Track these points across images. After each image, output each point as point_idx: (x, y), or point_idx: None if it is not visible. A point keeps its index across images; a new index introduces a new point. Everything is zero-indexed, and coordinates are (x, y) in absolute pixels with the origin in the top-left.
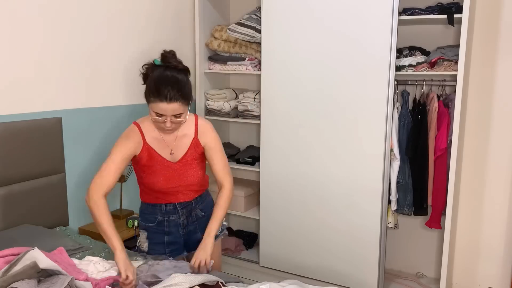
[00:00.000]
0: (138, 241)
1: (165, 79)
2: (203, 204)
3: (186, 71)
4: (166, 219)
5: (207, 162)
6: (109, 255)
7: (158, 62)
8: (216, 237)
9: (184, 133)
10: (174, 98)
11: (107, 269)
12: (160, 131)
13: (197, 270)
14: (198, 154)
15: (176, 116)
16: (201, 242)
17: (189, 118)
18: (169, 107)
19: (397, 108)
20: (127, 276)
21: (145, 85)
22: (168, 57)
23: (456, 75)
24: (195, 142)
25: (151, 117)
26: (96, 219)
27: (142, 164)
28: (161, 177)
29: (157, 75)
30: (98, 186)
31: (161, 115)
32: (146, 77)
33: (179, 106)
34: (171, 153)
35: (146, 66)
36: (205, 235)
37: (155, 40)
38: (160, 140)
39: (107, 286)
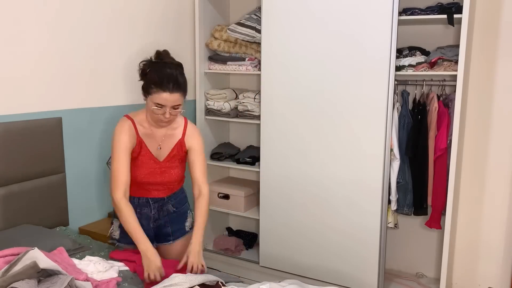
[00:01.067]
0: (111, 228)
1: (168, 71)
2: (176, 200)
3: (181, 66)
4: (138, 211)
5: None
6: (109, 255)
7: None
8: (187, 233)
9: (172, 133)
10: (176, 89)
11: (107, 269)
12: (156, 123)
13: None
14: (181, 155)
15: (174, 107)
16: (192, 250)
17: (179, 120)
18: (171, 98)
19: (397, 108)
20: (148, 275)
21: (143, 81)
22: (163, 54)
23: (456, 75)
24: (180, 143)
25: (151, 108)
26: (122, 221)
27: (132, 156)
28: (144, 171)
29: (159, 68)
30: (115, 189)
31: (161, 106)
32: (144, 72)
33: (180, 97)
34: (158, 148)
35: (144, 62)
36: (193, 244)
37: (155, 40)
38: (150, 135)
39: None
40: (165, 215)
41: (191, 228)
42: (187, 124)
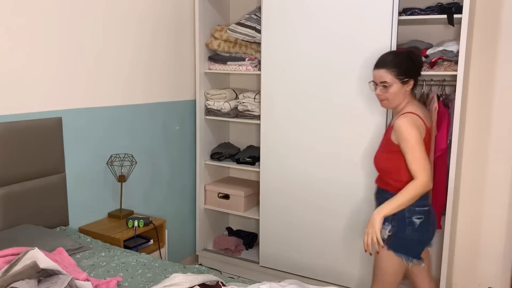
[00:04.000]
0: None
1: (386, 52)
2: (382, 197)
3: (415, 56)
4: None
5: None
6: (109, 254)
7: None
8: (384, 243)
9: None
10: (381, 65)
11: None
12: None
13: (365, 248)
14: (389, 145)
15: (383, 84)
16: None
17: (405, 110)
18: (376, 73)
19: None
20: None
21: None
22: (411, 47)
23: (456, 75)
24: (388, 136)
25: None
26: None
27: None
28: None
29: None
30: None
31: (374, 83)
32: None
33: (384, 73)
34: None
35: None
36: (374, 211)
37: (155, 40)
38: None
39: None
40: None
41: (386, 239)
42: (400, 118)
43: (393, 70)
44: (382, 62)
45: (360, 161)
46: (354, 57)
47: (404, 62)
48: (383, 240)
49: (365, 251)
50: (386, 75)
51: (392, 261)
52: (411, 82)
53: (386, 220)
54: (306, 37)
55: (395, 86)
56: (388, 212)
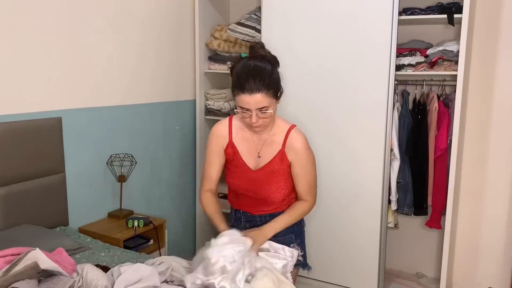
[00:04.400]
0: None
1: (247, 69)
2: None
3: (273, 61)
4: (235, 225)
5: None
6: (109, 255)
7: (245, 55)
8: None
9: (273, 140)
10: (257, 89)
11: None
12: (249, 129)
13: None
14: (284, 168)
15: (261, 110)
16: (257, 229)
17: (282, 125)
18: (252, 99)
19: (397, 108)
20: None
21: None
22: (256, 47)
23: (456, 75)
24: (281, 154)
25: (237, 112)
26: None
27: (227, 158)
28: (237, 180)
29: (240, 66)
30: (202, 186)
31: (246, 110)
32: (231, 72)
33: (263, 98)
34: (258, 156)
35: (233, 60)
36: (262, 228)
37: (155, 40)
38: (249, 141)
39: None
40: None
41: (295, 263)
42: (290, 131)
43: (271, 92)
44: (254, 85)
45: (360, 161)
46: (354, 57)
47: (274, 77)
48: (297, 263)
49: None
50: (264, 100)
51: (295, 276)
52: (282, 92)
53: (290, 240)
54: (306, 36)
55: (274, 107)
56: (276, 230)
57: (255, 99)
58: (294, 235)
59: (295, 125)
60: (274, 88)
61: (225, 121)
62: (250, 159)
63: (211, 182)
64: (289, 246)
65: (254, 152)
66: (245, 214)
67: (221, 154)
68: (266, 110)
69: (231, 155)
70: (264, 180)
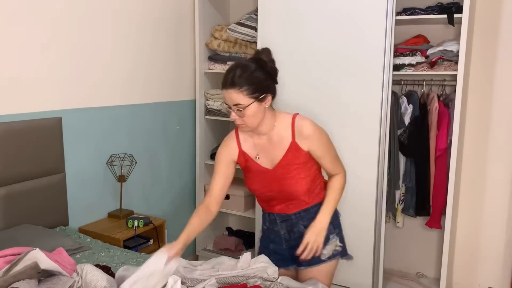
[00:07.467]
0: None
1: (232, 64)
2: (309, 221)
3: (262, 63)
4: (271, 228)
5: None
6: (109, 254)
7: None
8: (328, 258)
9: (281, 136)
10: (230, 84)
11: None
12: (240, 128)
13: (304, 255)
14: (301, 159)
15: (237, 107)
16: (311, 227)
17: (285, 118)
18: (227, 94)
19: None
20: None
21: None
22: (259, 52)
23: (456, 75)
24: (294, 145)
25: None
26: None
27: (242, 167)
28: (257, 184)
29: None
30: (204, 198)
31: (229, 107)
32: None
33: (237, 94)
34: (256, 157)
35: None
36: (315, 221)
37: (155, 40)
38: (258, 144)
39: None
40: (297, 237)
41: (332, 257)
42: (295, 120)
43: (244, 89)
44: (231, 80)
45: (355, 161)
46: (349, 57)
47: (255, 76)
48: (335, 253)
49: (303, 259)
50: (237, 97)
51: (335, 266)
52: (269, 97)
53: (329, 231)
54: (303, 36)
55: (252, 107)
56: (330, 214)
57: (229, 94)
58: (332, 226)
59: (298, 113)
60: (251, 86)
61: (231, 133)
62: (264, 160)
63: (210, 196)
64: (328, 237)
65: (266, 153)
66: (279, 215)
67: (229, 165)
68: (241, 108)
69: (244, 163)
70: (282, 174)
